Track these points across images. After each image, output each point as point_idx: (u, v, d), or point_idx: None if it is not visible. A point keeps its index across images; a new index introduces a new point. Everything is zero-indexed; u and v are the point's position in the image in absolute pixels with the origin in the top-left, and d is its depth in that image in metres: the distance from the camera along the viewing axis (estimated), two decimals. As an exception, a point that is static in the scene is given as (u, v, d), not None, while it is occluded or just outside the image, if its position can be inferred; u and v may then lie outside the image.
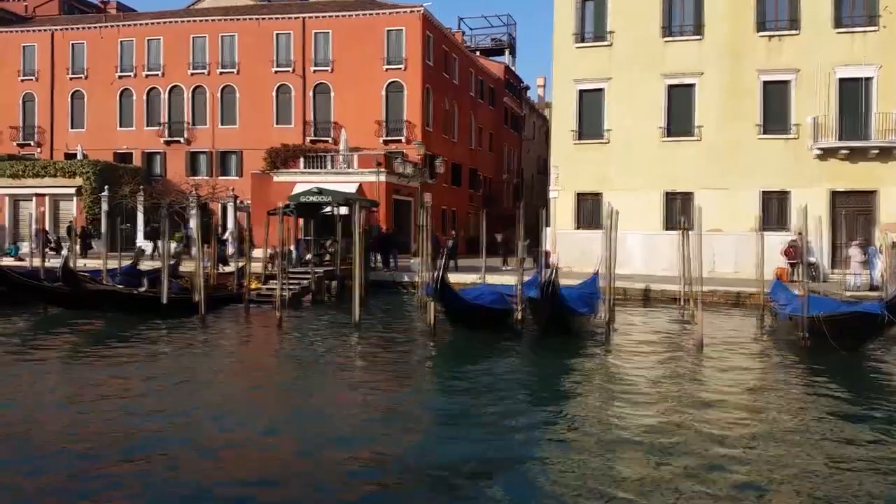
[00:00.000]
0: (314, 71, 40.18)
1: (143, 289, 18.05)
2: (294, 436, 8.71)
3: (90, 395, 10.63)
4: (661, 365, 13.34)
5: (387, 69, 39.10)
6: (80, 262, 26.00)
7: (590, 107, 27.87)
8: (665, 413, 9.67)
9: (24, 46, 43.57)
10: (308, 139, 39.94)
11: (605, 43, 27.62)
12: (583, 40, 27.94)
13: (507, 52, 56.04)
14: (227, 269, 28.34)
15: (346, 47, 39.54)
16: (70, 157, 41.11)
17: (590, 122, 27.88)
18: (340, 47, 39.75)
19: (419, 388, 11.78)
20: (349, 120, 39.00)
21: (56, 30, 43.28)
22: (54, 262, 24.58)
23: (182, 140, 41.41)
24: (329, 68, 39.97)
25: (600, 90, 27.74)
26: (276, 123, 40.50)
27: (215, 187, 37.51)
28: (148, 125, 41.90)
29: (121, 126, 42.24)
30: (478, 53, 52.55)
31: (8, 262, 29.17)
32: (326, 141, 39.63)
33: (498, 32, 55.79)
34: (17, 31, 44.21)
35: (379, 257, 26.79)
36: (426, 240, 21.21)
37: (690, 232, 17.61)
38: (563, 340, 15.02)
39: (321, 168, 35.17)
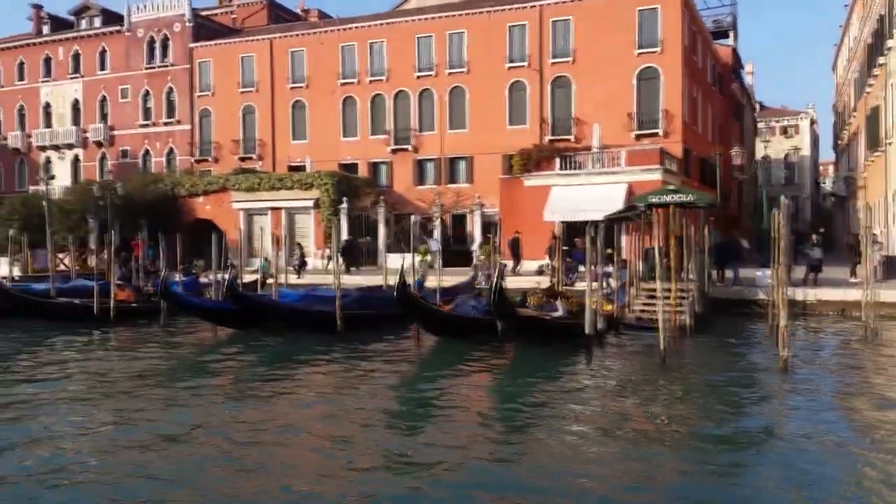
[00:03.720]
0: (552, 63, 36.32)
1: (557, 314, 14.37)
2: None
3: None
4: None
5: (638, 54, 34.67)
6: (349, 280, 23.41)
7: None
8: None
9: (242, 57, 42.35)
10: (546, 139, 36.09)
11: None
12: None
13: (730, 35, 50.14)
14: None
15: (588, 34, 35.45)
16: (295, 169, 39.41)
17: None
18: (582, 35, 35.69)
19: None
20: (593, 115, 34.85)
21: (275, 38, 41.78)
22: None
23: (409, 148, 38.62)
24: (570, 59, 35.98)
25: None
26: (509, 124, 36.92)
27: (460, 195, 34.35)
28: (373, 134, 39.44)
29: (344, 136, 40.07)
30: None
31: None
32: (567, 140, 35.66)
33: (720, 14, 50.03)
34: (234, 42, 43.15)
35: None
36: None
37: None
38: None
39: (579, 169, 31.33)
